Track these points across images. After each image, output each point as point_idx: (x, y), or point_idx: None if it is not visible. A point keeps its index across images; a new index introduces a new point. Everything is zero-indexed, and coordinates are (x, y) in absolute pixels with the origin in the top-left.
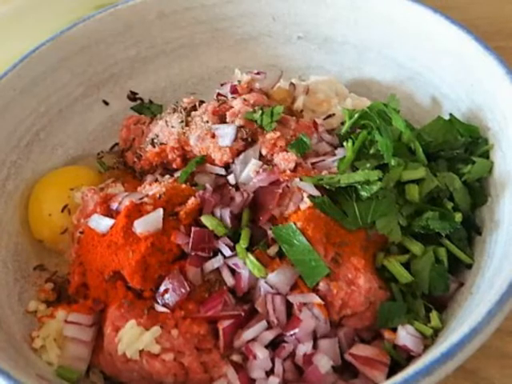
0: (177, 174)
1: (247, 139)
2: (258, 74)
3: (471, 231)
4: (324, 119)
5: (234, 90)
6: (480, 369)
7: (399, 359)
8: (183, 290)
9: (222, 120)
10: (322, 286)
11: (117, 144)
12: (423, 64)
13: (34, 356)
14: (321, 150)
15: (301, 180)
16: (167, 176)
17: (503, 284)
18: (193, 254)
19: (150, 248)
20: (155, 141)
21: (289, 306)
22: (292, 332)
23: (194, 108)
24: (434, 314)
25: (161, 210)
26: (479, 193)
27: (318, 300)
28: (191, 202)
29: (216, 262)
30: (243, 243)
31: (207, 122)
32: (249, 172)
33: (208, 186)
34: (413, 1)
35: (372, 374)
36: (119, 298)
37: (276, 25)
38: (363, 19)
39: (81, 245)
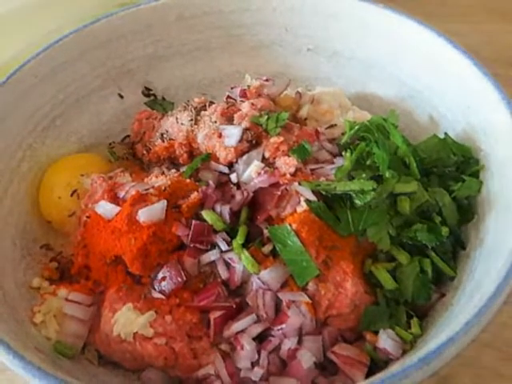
0: (182, 169)
1: (252, 141)
2: (266, 80)
3: (456, 246)
4: (326, 128)
5: (243, 94)
6: (454, 377)
7: (378, 361)
8: (179, 279)
9: (230, 121)
10: (311, 286)
11: (128, 136)
12: (424, 83)
13: (34, 330)
14: (321, 157)
15: (299, 184)
16: (173, 170)
17: (482, 298)
18: (191, 245)
19: (152, 237)
20: (165, 136)
21: (278, 302)
22: (279, 327)
23: (204, 108)
24: (414, 321)
25: (164, 202)
26: (467, 210)
27: (306, 299)
28: (194, 196)
29: (212, 255)
30: (240, 239)
31: (215, 121)
32: (251, 172)
33: (211, 182)
34: (419, 23)
35: (352, 372)
36: (118, 282)
37: (288, 35)
38: (371, 37)
39: (86, 228)
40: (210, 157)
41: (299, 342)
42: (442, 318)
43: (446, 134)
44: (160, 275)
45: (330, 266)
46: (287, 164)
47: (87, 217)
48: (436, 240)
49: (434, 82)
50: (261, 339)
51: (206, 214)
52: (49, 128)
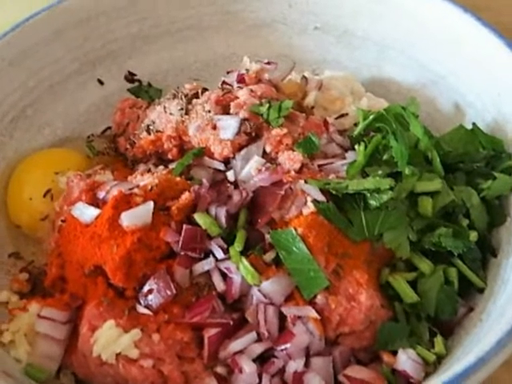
0: (172, 166)
1: (251, 134)
2: (268, 63)
3: (486, 253)
4: (336, 118)
5: (240, 80)
6: None
7: None
8: (169, 292)
9: (226, 111)
10: (319, 299)
11: (109, 128)
12: (448, 68)
13: (1, 351)
14: (330, 151)
15: (305, 183)
16: (161, 167)
17: None
18: (182, 253)
19: (137, 243)
20: (151, 127)
21: (282, 318)
22: (283, 347)
23: (196, 95)
24: (438, 340)
25: (151, 203)
26: (498, 212)
27: (314, 314)
28: (185, 197)
29: (206, 265)
30: (238, 246)
31: (209, 111)
32: (250, 169)
33: (205, 181)
34: None
35: None
36: (98, 295)
37: (292, 12)
38: (388, 14)
39: (61, 234)
40: (203, 152)
41: (306, 364)
42: (469, 336)
43: (474, 124)
44: (146, 287)
45: (341, 276)
46: (291, 159)
47: (62, 221)
48: (463, 246)
49: (460, 66)
50: (262, 361)
51: (200, 217)
52: (18, 119)
